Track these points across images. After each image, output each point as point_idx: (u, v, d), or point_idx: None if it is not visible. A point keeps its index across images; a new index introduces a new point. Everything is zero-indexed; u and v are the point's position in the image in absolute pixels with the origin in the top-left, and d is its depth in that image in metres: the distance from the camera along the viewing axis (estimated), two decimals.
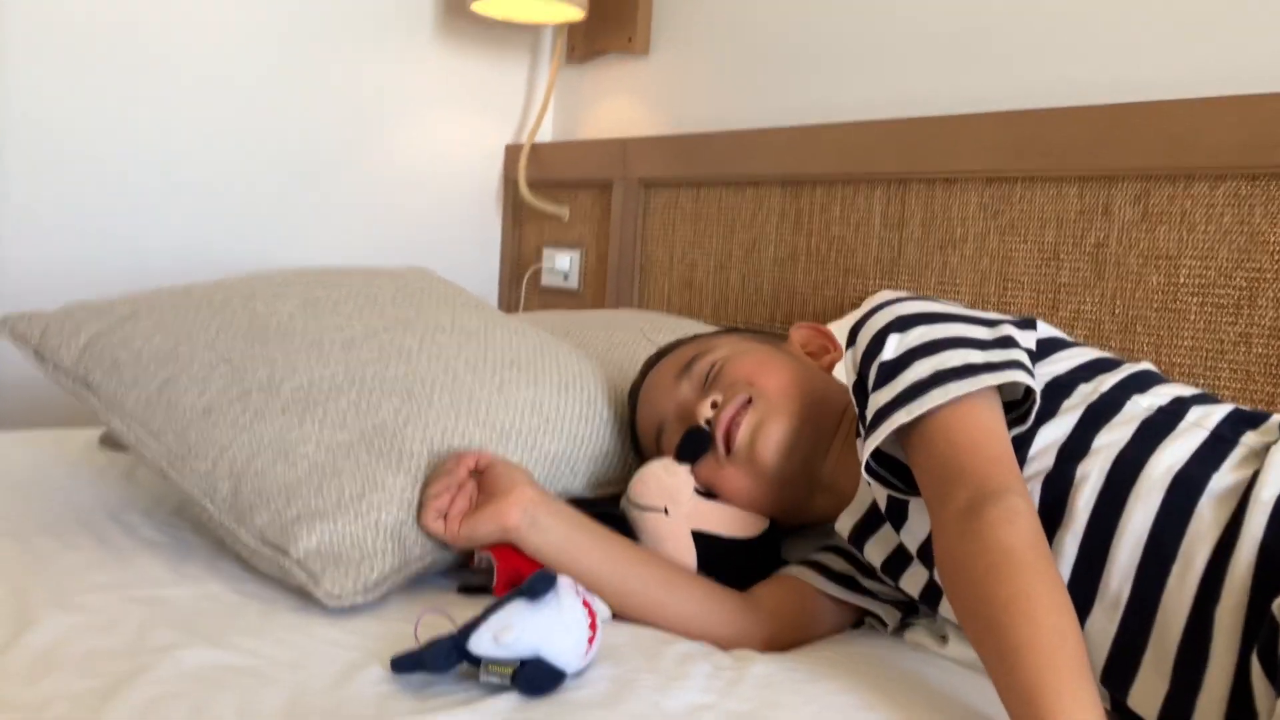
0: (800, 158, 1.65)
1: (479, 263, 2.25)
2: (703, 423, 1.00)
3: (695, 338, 1.13)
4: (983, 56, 1.49)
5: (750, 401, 0.99)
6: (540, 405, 1.09)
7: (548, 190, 2.14)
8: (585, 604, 0.81)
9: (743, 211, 1.76)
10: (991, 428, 0.78)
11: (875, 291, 1.54)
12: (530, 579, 0.79)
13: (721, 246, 1.80)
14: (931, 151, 1.47)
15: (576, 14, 1.98)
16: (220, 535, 0.98)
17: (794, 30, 1.75)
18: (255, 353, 1.03)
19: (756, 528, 1.01)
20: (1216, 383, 1.22)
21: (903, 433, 0.81)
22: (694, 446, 1.00)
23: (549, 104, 2.16)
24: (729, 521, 1.00)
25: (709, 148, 1.80)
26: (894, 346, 0.84)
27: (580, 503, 1.02)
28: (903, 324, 0.85)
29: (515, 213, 2.22)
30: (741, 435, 0.98)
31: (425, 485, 0.96)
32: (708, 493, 1.01)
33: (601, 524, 0.95)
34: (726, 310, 1.79)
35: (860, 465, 0.84)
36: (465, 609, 0.91)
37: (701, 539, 0.99)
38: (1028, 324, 0.87)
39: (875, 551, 0.94)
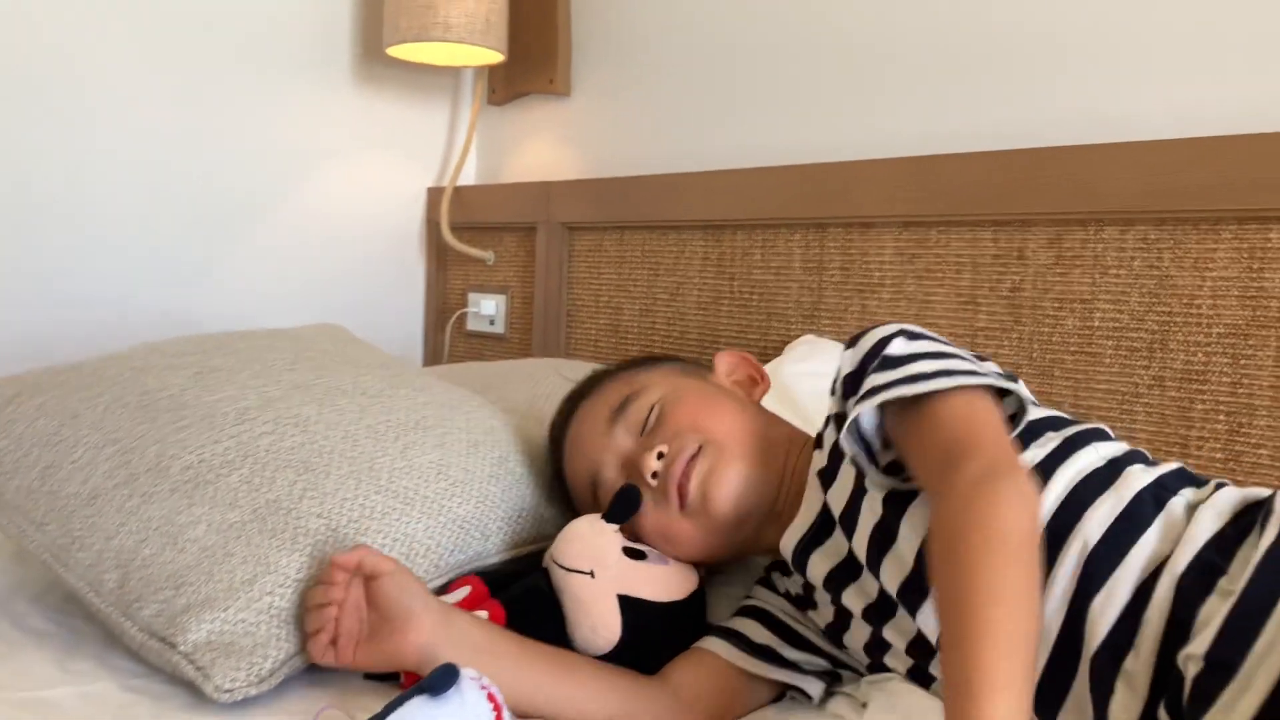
0: (721, 202, 1.64)
1: (404, 309, 2.21)
2: (649, 476, 0.95)
3: (618, 370, 1.08)
4: (897, 101, 1.49)
5: (700, 450, 0.95)
6: (447, 468, 1.06)
7: (472, 234, 2.11)
8: (490, 697, 0.78)
9: (666, 255, 1.75)
10: (999, 422, 0.78)
11: (799, 336, 1.53)
12: (432, 674, 0.76)
13: (646, 290, 1.78)
14: (848, 196, 1.47)
15: (496, 57, 1.95)
16: (109, 628, 0.94)
17: (715, 73, 1.74)
18: (144, 431, 0.99)
19: (684, 590, 0.99)
20: (1132, 425, 1.22)
21: (899, 413, 0.81)
22: (625, 507, 0.96)
23: (470, 146, 2.13)
24: (656, 585, 0.97)
25: (631, 191, 1.78)
26: (901, 346, 0.85)
27: (497, 577, 0.99)
28: (912, 334, 0.86)
29: (439, 257, 2.19)
30: (694, 488, 0.94)
31: (303, 601, 0.89)
32: (636, 552, 0.98)
33: (505, 629, 0.91)
34: (660, 348, 1.76)
35: (821, 456, 0.87)
36: (368, 699, 0.88)
37: (628, 603, 0.96)
38: (1012, 377, 0.86)
39: (819, 565, 0.91)
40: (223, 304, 1.97)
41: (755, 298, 1.61)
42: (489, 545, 1.07)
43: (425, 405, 1.12)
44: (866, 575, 0.87)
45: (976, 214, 1.34)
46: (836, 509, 0.89)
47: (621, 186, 1.80)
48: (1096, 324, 1.25)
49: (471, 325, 2.12)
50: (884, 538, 0.84)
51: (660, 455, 0.96)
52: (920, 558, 0.81)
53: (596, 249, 1.87)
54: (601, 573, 0.96)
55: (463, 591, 0.98)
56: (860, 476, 0.87)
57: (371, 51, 2.08)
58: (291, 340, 1.19)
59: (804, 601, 0.97)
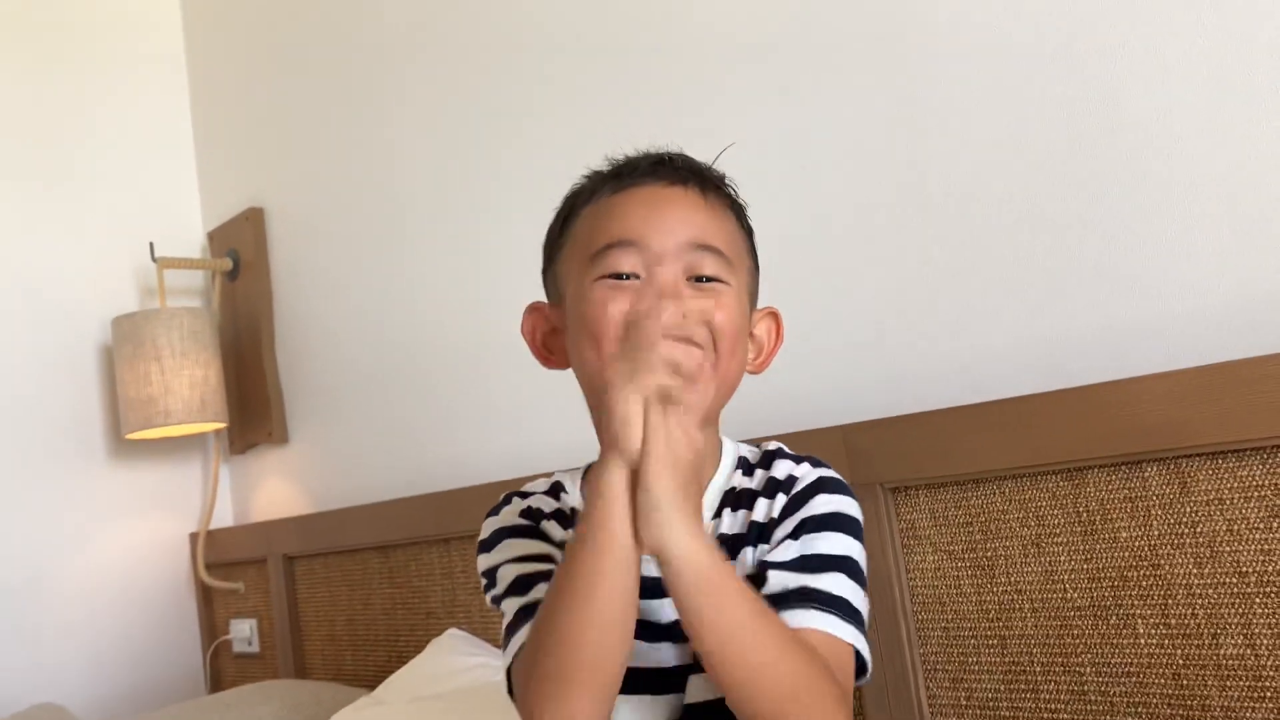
0: (388, 526, 2.03)
1: (182, 642, 2.53)
2: (664, 312, 0.84)
3: (723, 192, 0.95)
4: (559, 422, 1.92)
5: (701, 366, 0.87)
6: None
7: (228, 569, 2.47)
8: None
9: (353, 574, 2.12)
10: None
11: (445, 629, 1.89)
12: None
13: (347, 604, 2.15)
14: (452, 516, 1.87)
15: (218, 425, 2.37)
16: None
17: (393, 416, 2.16)
18: None
19: None
20: None
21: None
22: None
23: (216, 495, 2.52)
24: None
25: (323, 523, 2.17)
26: (838, 545, 0.87)
27: None
28: (858, 531, 0.89)
29: (205, 592, 2.53)
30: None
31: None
32: None
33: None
34: (363, 651, 2.11)
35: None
36: None
37: None
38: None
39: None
40: (8, 676, 2.27)
41: (416, 600, 1.98)
42: None
43: None
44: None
45: None
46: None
47: (317, 520, 2.19)
48: None
49: (236, 648, 2.45)
50: None
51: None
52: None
53: (310, 574, 2.24)
54: None
55: None
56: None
57: (115, 436, 2.48)
58: None
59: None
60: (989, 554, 1.23)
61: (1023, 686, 1.21)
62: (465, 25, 1.95)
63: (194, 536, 2.53)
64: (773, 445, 0.97)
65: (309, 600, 2.25)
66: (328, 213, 2.29)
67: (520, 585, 0.91)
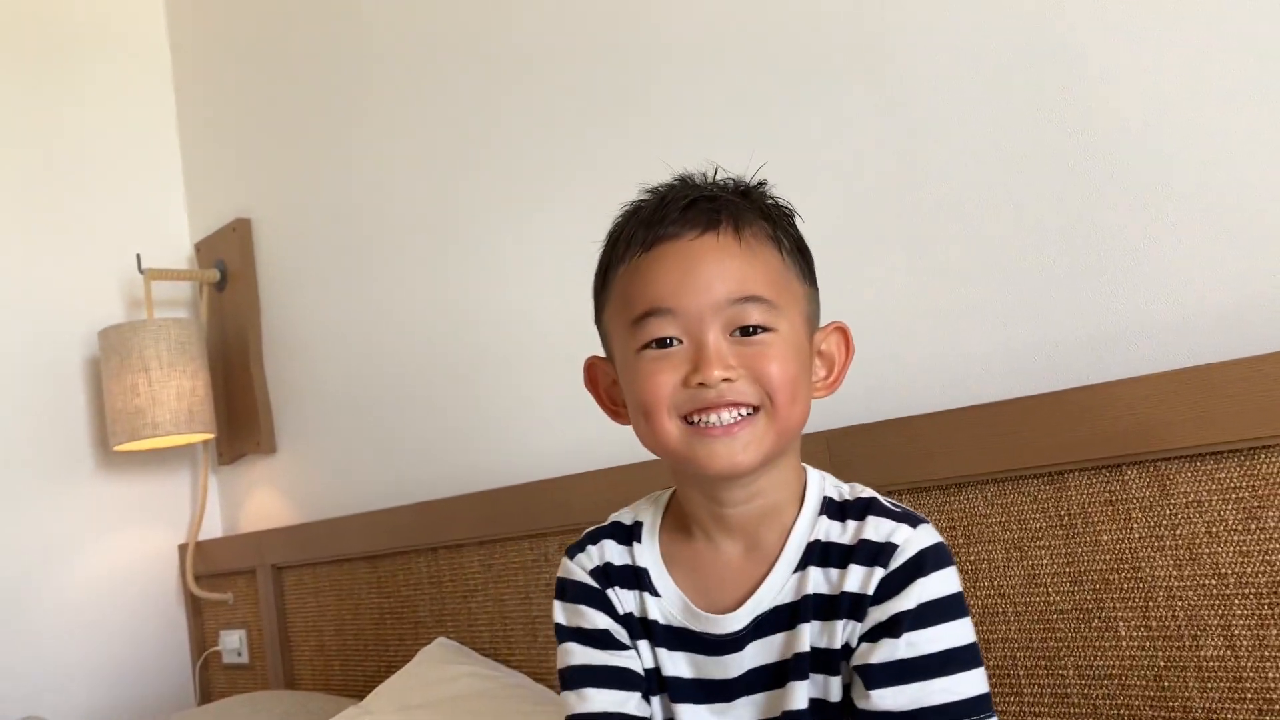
0: (376, 536, 2.03)
1: (171, 653, 2.52)
2: (708, 375, 0.84)
3: (776, 224, 0.92)
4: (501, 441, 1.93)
5: (755, 412, 0.86)
6: None
7: (217, 580, 2.46)
8: None
9: (342, 584, 2.12)
10: None
11: (433, 639, 1.89)
12: None
13: (336, 613, 2.14)
14: (440, 525, 1.87)
15: (206, 435, 2.37)
16: None
17: (379, 426, 2.16)
18: None
19: None
20: None
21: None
22: None
23: (205, 506, 2.51)
24: None
25: (312, 533, 2.17)
26: (947, 637, 0.86)
27: None
28: (961, 602, 0.88)
29: (194, 603, 2.52)
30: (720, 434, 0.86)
31: None
32: None
33: None
34: (352, 661, 2.11)
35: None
36: None
37: None
38: None
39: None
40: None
41: (406, 609, 1.98)
42: None
43: None
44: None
45: (529, 530, 1.75)
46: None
47: (306, 530, 2.19)
48: None
49: (226, 660, 2.45)
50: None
51: (728, 380, 0.85)
52: None
53: (299, 584, 2.24)
54: None
55: None
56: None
57: (103, 447, 2.47)
58: None
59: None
60: (972, 558, 1.24)
61: (1007, 690, 1.21)
62: (452, 38, 1.96)
63: (183, 548, 2.52)
64: (866, 493, 0.93)
65: (298, 610, 2.25)
66: (315, 224, 2.30)
67: (575, 679, 0.94)
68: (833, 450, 1.32)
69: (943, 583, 0.86)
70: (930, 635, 0.84)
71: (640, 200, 0.94)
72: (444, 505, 1.88)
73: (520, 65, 1.84)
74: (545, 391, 1.79)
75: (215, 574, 2.46)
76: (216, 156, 2.60)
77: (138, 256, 2.40)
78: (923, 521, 0.90)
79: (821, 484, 0.94)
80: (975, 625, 1.22)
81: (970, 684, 0.85)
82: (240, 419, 2.47)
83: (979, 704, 0.85)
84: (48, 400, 2.42)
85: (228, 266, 2.50)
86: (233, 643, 2.41)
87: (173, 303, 2.61)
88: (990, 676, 1.21)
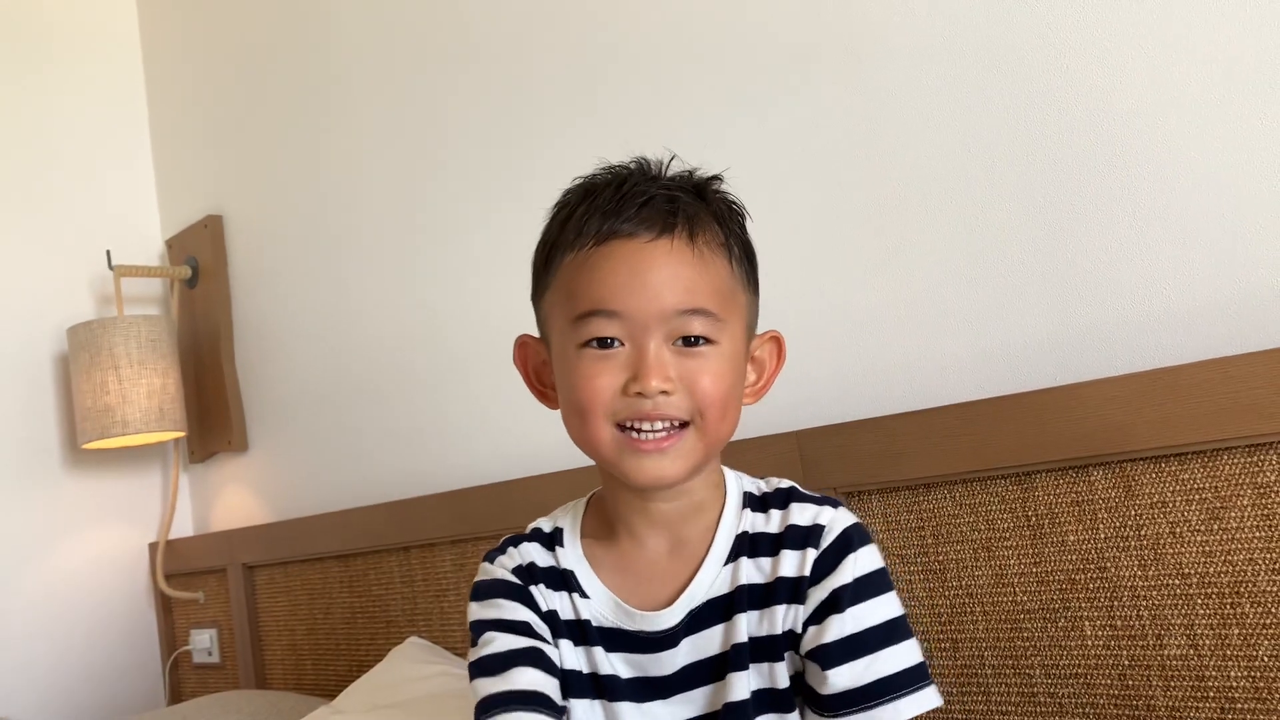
0: (348, 535, 2.02)
1: (141, 653, 2.50)
2: (645, 384, 0.84)
3: (723, 230, 0.91)
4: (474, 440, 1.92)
5: (686, 426, 0.87)
6: None
7: (187, 578, 2.45)
8: None
9: (313, 583, 2.11)
10: None
11: (405, 638, 1.89)
12: None
13: (308, 613, 2.13)
14: (411, 524, 1.86)
15: (177, 434, 2.35)
16: None
17: (351, 425, 2.15)
18: None
19: None
20: None
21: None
22: None
23: (176, 504, 2.50)
24: None
25: (283, 532, 2.16)
26: (887, 606, 0.88)
27: None
28: (887, 575, 0.91)
29: (164, 602, 2.51)
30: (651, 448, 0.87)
31: None
32: None
33: None
34: (324, 660, 2.10)
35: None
36: None
37: None
38: None
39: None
40: None
41: (376, 609, 1.98)
42: None
43: None
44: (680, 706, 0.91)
45: (485, 531, 1.74)
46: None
47: (278, 528, 2.18)
48: None
49: (196, 659, 2.43)
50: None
51: (664, 393, 0.85)
52: None
53: (270, 583, 2.23)
54: None
55: None
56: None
57: (72, 446, 2.45)
58: None
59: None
60: (940, 558, 1.24)
61: (974, 689, 1.22)
62: (423, 35, 1.95)
63: (153, 546, 2.50)
64: (784, 483, 0.95)
65: (269, 609, 2.24)
66: (287, 220, 2.28)
67: (495, 664, 0.90)
68: (803, 450, 1.32)
69: (870, 558, 0.89)
70: (869, 609, 0.88)
71: (595, 178, 0.92)
72: (416, 504, 1.87)
73: (495, 67, 1.83)
74: (518, 390, 1.78)
75: (186, 573, 2.44)
76: (188, 152, 2.58)
77: (108, 253, 2.38)
78: (840, 504, 0.93)
79: (739, 481, 0.96)
80: (944, 624, 1.24)
81: (910, 653, 0.88)
82: (211, 417, 2.45)
83: (920, 671, 0.88)
84: (15, 398, 2.39)
85: (199, 263, 2.48)
86: (203, 642, 2.39)
87: (143, 300, 2.59)
88: (958, 675, 1.23)
